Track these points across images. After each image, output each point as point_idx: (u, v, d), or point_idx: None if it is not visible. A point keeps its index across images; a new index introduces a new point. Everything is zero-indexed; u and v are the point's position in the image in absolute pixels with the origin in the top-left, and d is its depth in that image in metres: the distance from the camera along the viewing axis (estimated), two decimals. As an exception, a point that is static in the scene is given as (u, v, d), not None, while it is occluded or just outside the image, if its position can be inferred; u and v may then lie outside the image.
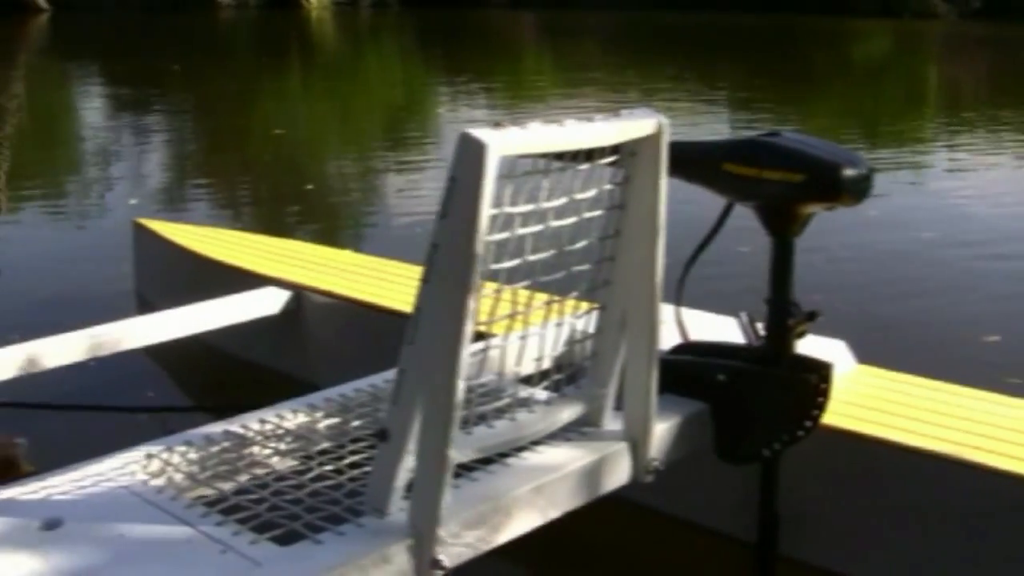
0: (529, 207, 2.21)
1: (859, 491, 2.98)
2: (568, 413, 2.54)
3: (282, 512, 2.25)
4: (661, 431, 2.70)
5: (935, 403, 3.16)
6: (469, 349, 2.05)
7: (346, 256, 4.78)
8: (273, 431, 2.65)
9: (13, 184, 6.35)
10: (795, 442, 2.82)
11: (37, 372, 3.54)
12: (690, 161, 2.78)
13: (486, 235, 2.01)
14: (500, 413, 2.42)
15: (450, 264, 2.03)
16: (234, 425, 2.68)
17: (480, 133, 1.97)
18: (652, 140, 2.40)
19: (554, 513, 2.47)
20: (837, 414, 2.97)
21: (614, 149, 2.35)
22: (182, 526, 2.19)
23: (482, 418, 2.36)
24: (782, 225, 2.77)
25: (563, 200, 2.27)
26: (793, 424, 2.80)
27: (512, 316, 2.32)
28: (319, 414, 2.76)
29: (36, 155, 10.17)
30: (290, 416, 2.75)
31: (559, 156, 2.22)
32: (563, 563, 3.17)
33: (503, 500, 2.35)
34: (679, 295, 2.99)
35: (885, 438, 2.91)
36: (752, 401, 2.85)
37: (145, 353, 4.17)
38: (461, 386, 2.06)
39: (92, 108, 14.19)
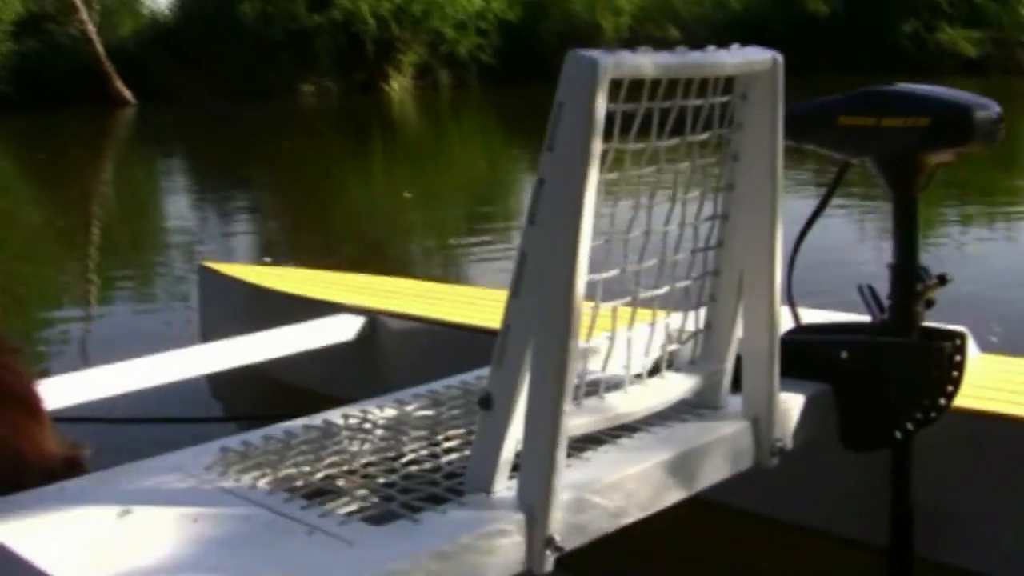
0: (640, 145, 2.03)
1: (1004, 480, 2.67)
2: (683, 388, 2.31)
3: (375, 494, 2.04)
4: (784, 411, 2.45)
5: None
6: (582, 296, 1.85)
7: (417, 284, 4.59)
8: (359, 424, 2.44)
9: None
10: (929, 423, 2.54)
11: (106, 396, 3.38)
12: (802, 119, 2.57)
13: (596, 169, 1.82)
14: (611, 387, 2.19)
15: (558, 200, 1.83)
16: (316, 420, 2.47)
17: (590, 52, 1.80)
18: (765, 80, 2.21)
19: (675, 497, 2.24)
20: (974, 397, 2.69)
21: (725, 93, 2.17)
22: (262, 510, 1.98)
23: (593, 391, 2.12)
24: (906, 179, 2.52)
25: (676, 140, 2.09)
26: (926, 401, 2.53)
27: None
28: (409, 407, 2.55)
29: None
30: (376, 411, 2.53)
31: (670, 94, 2.03)
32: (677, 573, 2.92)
33: (620, 479, 2.12)
34: (790, 275, 2.75)
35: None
36: (879, 377, 2.58)
37: (211, 383, 4.01)
38: (576, 339, 1.86)
39: (199, 193, 14.32)
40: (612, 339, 2.10)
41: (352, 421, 2.46)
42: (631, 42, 26.73)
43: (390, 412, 2.52)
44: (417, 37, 33.70)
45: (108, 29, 33.55)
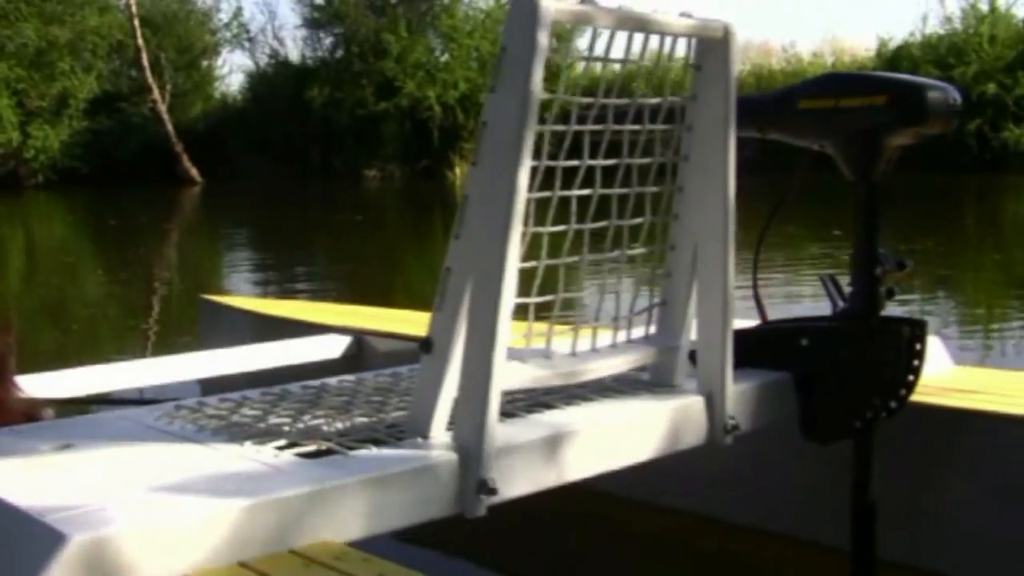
0: (588, 99, 2.06)
1: (969, 477, 2.61)
2: (635, 358, 2.31)
3: (315, 438, 2.06)
4: (740, 391, 2.43)
5: None
6: (519, 237, 1.88)
7: (403, 311, 4.66)
8: (316, 391, 2.48)
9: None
10: (890, 413, 2.50)
11: (102, 392, 3.46)
12: (763, 107, 2.59)
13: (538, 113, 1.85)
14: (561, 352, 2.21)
15: (500, 141, 1.86)
16: (274, 389, 2.51)
17: None
18: (720, 49, 2.23)
19: (621, 461, 2.23)
20: (939, 397, 2.65)
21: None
22: (199, 446, 2.04)
23: (540, 352, 2.15)
24: (866, 163, 2.51)
25: (625, 100, 2.12)
26: (886, 389, 2.49)
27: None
28: (368, 381, 2.58)
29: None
30: (334, 382, 2.57)
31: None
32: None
33: (562, 435, 2.12)
34: (755, 271, 2.75)
35: (1001, 411, 2.55)
36: (839, 364, 2.54)
37: (204, 389, 4.06)
38: (512, 284, 1.88)
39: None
40: (558, 297, 2.12)
41: (310, 390, 2.49)
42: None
43: (348, 383, 2.55)
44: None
45: (179, 110, 34.37)
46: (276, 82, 35.19)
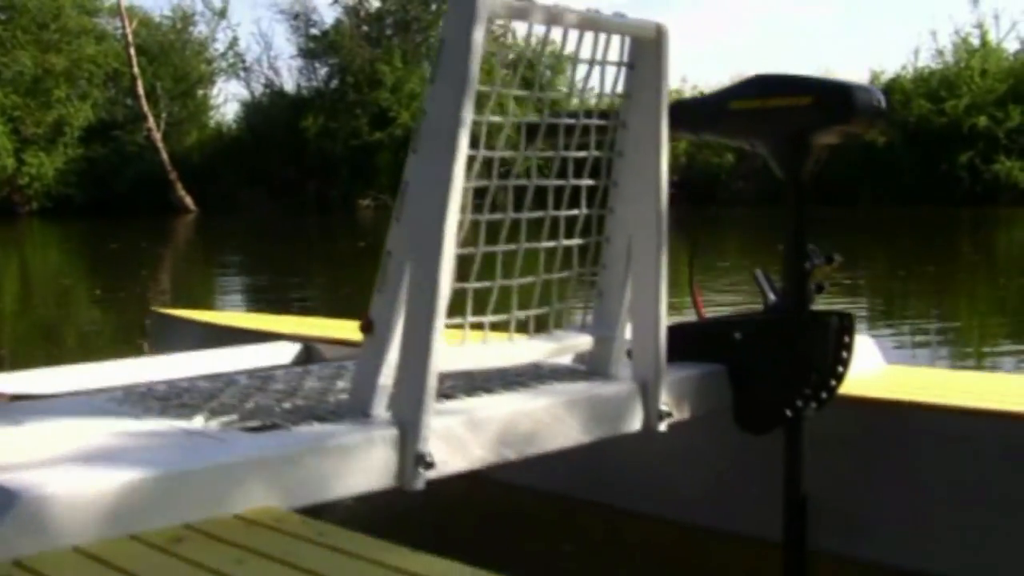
0: (523, 92, 2.13)
1: (898, 467, 2.67)
2: (570, 345, 2.38)
3: (260, 415, 2.14)
4: (674, 380, 2.49)
5: (980, 386, 2.90)
6: (456, 222, 1.95)
7: (356, 323, 4.68)
8: (262, 382, 2.54)
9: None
10: (821, 403, 2.56)
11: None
12: (696, 110, 2.67)
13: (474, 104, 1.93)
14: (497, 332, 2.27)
15: (438, 131, 1.93)
16: (222, 377, 2.60)
17: None
18: (652, 48, 2.30)
19: (555, 443, 2.29)
20: (869, 390, 2.72)
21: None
22: (147, 420, 2.11)
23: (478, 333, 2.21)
24: (794, 161, 2.57)
25: (563, 90, 2.19)
26: (816, 378, 2.56)
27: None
28: (312, 374, 2.64)
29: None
30: (280, 374, 2.63)
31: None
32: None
33: (499, 415, 2.19)
34: (691, 271, 2.82)
35: (932, 403, 2.62)
36: (769, 355, 2.62)
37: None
38: (449, 267, 1.95)
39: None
40: (495, 284, 2.19)
41: (256, 379, 2.56)
42: (689, 168, 26.63)
43: (294, 373, 2.62)
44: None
45: (174, 138, 34.54)
46: (271, 112, 35.39)
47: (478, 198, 2.09)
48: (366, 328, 2.04)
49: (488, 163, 2.08)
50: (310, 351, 3.95)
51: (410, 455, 1.98)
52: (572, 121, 2.25)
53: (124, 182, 32.63)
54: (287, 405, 2.21)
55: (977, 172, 30.02)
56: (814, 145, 2.55)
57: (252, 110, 36.58)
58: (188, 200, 32.70)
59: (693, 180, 29.61)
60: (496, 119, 2.07)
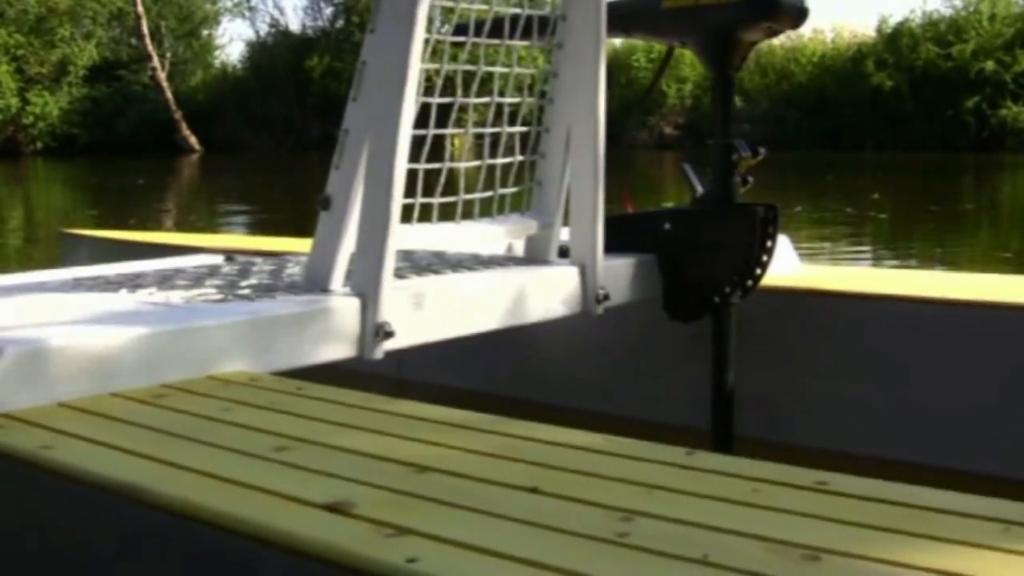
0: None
1: (818, 353, 2.82)
2: (513, 229, 2.47)
3: (221, 291, 2.22)
4: (610, 266, 2.59)
5: (887, 279, 3.11)
6: (414, 101, 2.00)
7: (276, 238, 4.66)
8: (210, 270, 2.62)
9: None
10: (746, 291, 2.66)
11: None
12: (631, 10, 2.74)
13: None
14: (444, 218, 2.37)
15: (398, 9, 1.99)
16: (168, 266, 2.69)
17: None
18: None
19: (505, 321, 2.38)
20: (789, 281, 2.86)
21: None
22: (109, 293, 2.19)
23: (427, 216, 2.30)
24: (723, 57, 2.68)
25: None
26: (742, 265, 2.66)
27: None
28: (256, 263, 2.73)
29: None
30: (223, 264, 2.74)
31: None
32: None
33: (451, 296, 2.29)
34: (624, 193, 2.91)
35: (845, 290, 2.78)
36: (697, 243, 2.72)
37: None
38: (405, 145, 2.00)
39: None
40: (444, 166, 2.25)
41: (202, 268, 2.67)
42: (694, 110, 26.54)
43: (238, 264, 2.71)
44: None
45: (179, 79, 34.45)
46: (276, 52, 35.23)
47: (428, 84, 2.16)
48: (324, 204, 2.09)
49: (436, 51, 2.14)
50: (233, 262, 3.99)
51: (370, 325, 2.05)
52: (518, 11, 2.30)
53: (128, 122, 32.59)
54: (243, 283, 2.27)
55: (984, 117, 29.83)
56: (742, 42, 2.65)
57: (257, 50, 36.43)
58: (193, 140, 32.67)
59: (699, 124, 29.54)
60: (448, 3, 2.11)
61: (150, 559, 1.47)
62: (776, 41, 32.62)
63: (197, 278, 2.41)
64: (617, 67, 33.90)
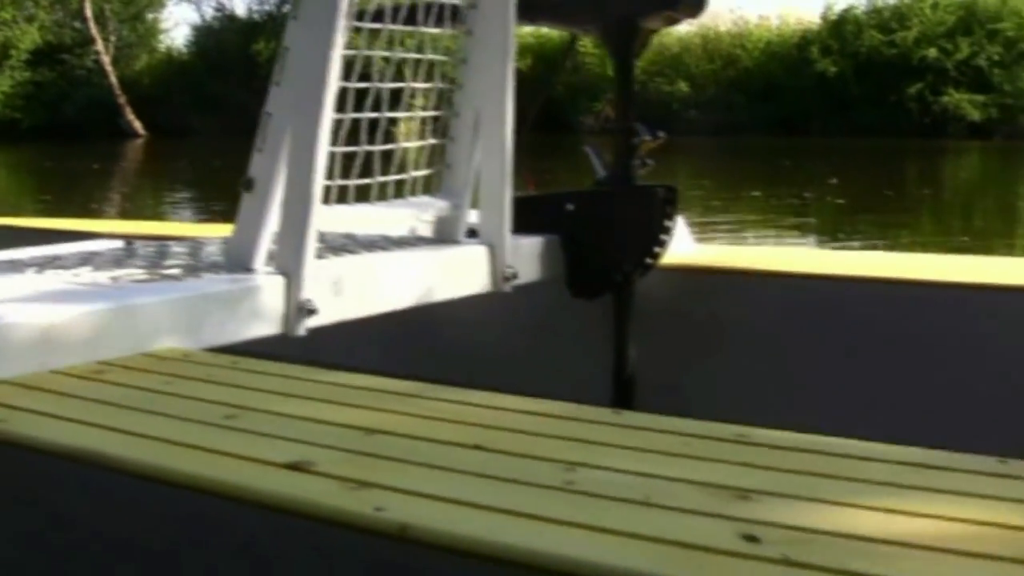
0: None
1: (718, 329, 2.93)
2: (425, 212, 2.59)
3: (147, 271, 2.26)
4: (517, 245, 2.68)
5: (775, 257, 3.30)
6: (336, 87, 2.06)
7: (176, 224, 4.69)
8: (126, 252, 2.67)
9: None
10: (646, 269, 2.76)
11: None
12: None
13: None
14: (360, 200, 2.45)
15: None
16: (85, 249, 2.72)
17: None
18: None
19: (416, 300, 2.47)
20: (686, 258, 2.98)
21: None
22: (29, 275, 2.23)
23: (343, 198, 2.37)
24: (624, 45, 2.76)
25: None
26: (642, 244, 2.76)
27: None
28: (169, 247, 2.76)
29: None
30: (138, 247, 2.78)
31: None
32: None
33: (369, 274, 2.36)
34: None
35: (744, 268, 2.94)
36: (598, 223, 2.81)
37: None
38: (327, 129, 2.06)
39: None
40: (361, 149, 2.33)
41: (117, 251, 2.72)
42: (641, 96, 26.85)
43: (152, 246, 2.77)
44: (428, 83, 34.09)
45: (124, 63, 34.09)
46: (222, 36, 34.95)
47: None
48: (247, 186, 2.14)
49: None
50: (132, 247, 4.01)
51: (293, 303, 2.11)
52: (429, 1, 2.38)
53: (73, 106, 32.23)
54: (165, 264, 2.32)
55: (927, 104, 30.13)
56: (642, 29, 2.75)
57: (203, 34, 36.12)
58: (137, 125, 32.36)
59: (645, 110, 29.68)
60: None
61: (122, 523, 1.52)
62: (723, 27, 32.78)
63: (117, 260, 2.45)
64: (562, 54, 33.85)
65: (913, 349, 2.76)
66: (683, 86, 31.44)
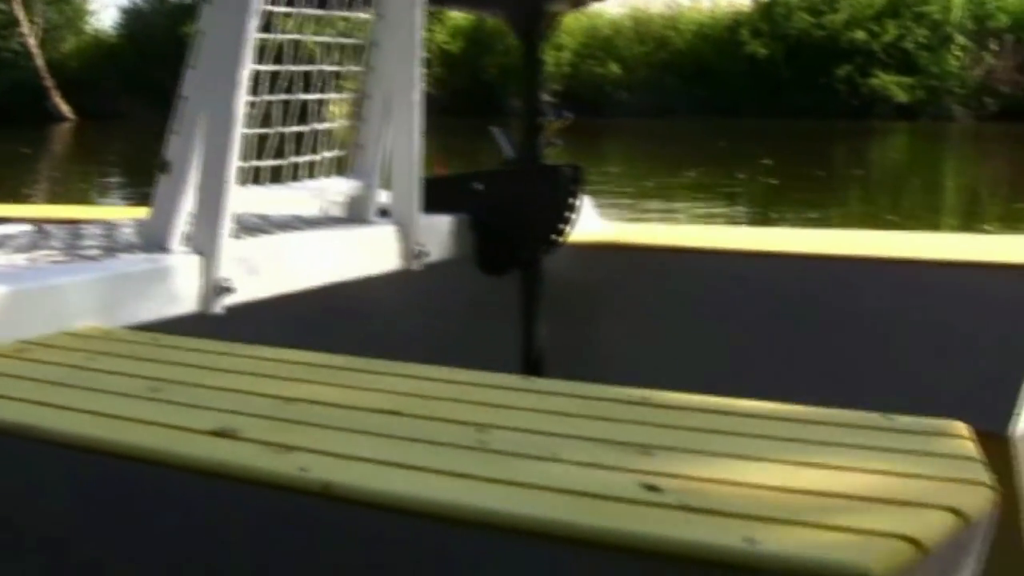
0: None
1: (623, 304, 3.06)
2: (337, 192, 2.66)
3: (62, 252, 2.29)
4: (427, 224, 2.75)
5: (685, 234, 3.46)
6: (249, 71, 2.09)
7: (89, 207, 4.71)
8: (38, 234, 2.69)
9: None
10: (552, 246, 2.85)
11: None
12: None
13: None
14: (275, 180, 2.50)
15: None
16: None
17: None
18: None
19: (330, 278, 2.54)
20: (591, 235, 3.07)
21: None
22: None
23: (258, 179, 2.43)
24: (530, 27, 2.84)
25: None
26: (549, 222, 2.84)
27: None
28: (82, 228, 2.79)
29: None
30: (51, 228, 2.80)
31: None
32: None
33: (284, 254, 2.44)
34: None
35: (652, 244, 3.07)
36: (507, 202, 2.90)
37: None
38: (240, 112, 2.08)
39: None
40: (275, 130, 2.36)
41: (30, 233, 2.74)
42: (572, 78, 26.59)
43: (63, 229, 2.79)
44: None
45: (50, 45, 33.58)
46: (152, 19, 34.56)
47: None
48: (163, 168, 2.18)
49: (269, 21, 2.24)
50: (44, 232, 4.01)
51: (210, 282, 2.16)
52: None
53: (-2, 89, 31.78)
54: (82, 245, 2.34)
55: (855, 85, 30.43)
56: (547, 12, 2.81)
57: (132, 17, 35.67)
58: (65, 108, 31.93)
59: (577, 92, 29.74)
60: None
61: (56, 494, 1.55)
62: (654, 9, 32.95)
63: (33, 243, 2.47)
64: (495, 36, 33.94)
65: (808, 318, 2.91)
66: (615, 68, 31.53)
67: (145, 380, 1.71)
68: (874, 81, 30.13)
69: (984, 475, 1.23)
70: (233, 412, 1.55)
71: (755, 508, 1.17)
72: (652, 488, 1.23)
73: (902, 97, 30.29)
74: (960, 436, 1.39)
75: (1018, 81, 30.14)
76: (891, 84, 30.26)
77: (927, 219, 9.53)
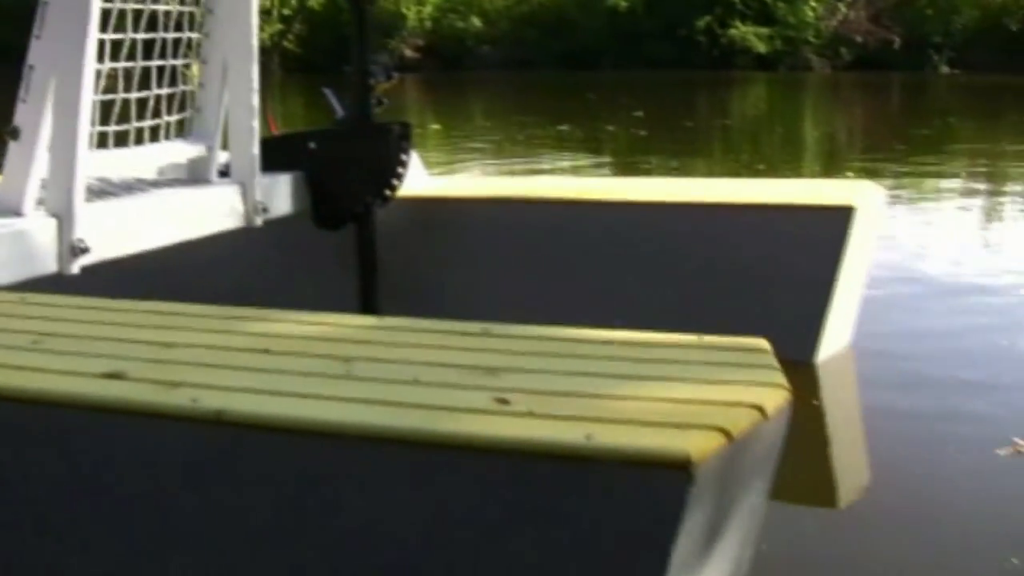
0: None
1: (448, 250, 3.25)
2: (178, 153, 2.75)
3: None
4: (267, 183, 2.89)
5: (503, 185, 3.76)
6: (96, 40, 2.18)
7: None
8: None
9: None
10: (385, 200, 3.02)
11: None
12: None
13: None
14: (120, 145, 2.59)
15: None
16: None
17: None
18: None
19: (182, 235, 2.65)
20: (420, 189, 3.26)
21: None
22: None
23: (103, 144, 2.52)
24: None
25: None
26: (381, 177, 3.01)
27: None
28: None
29: None
30: None
31: None
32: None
33: (135, 214, 2.54)
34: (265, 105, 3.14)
35: (472, 195, 3.30)
36: (339, 160, 3.04)
37: None
38: (90, 80, 2.17)
39: None
40: (119, 96, 2.53)
41: None
42: (434, 32, 26.35)
43: None
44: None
45: None
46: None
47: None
48: (13, 135, 2.25)
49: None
50: None
51: (67, 243, 2.25)
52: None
53: None
54: None
55: (715, 36, 30.75)
56: None
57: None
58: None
59: (439, 46, 29.68)
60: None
61: None
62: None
63: None
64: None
65: (623, 261, 3.15)
66: (476, 22, 31.45)
67: (24, 334, 1.80)
68: (733, 32, 30.49)
69: (781, 379, 1.47)
70: (118, 358, 1.67)
71: (592, 412, 1.38)
72: (502, 401, 1.43)
73: (760, 48, 30.74)
74: (761, 350, 1.63)
75: (871, 31, 30.79)
76: (750, 35, 30.64)
77: (793, 166, 9.83)
